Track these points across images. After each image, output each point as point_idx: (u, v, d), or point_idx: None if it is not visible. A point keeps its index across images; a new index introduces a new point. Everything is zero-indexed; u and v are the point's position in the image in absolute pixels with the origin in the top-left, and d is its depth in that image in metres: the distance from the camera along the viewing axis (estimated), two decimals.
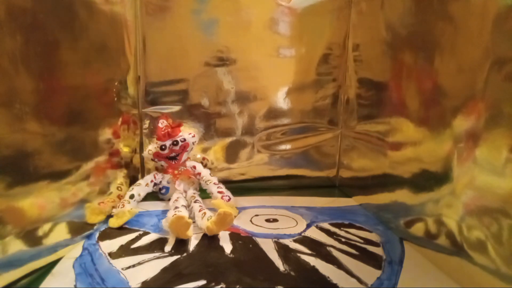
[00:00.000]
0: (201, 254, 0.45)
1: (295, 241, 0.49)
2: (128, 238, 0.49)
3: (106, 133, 0.56)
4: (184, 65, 0.67)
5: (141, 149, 0.69)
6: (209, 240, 0.49)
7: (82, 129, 0.49)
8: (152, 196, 0.64)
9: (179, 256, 0.44)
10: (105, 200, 0.55)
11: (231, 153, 0.72)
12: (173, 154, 0.63)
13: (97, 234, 0.50)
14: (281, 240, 0.49)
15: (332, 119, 0.73)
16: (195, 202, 0.57)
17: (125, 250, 0.46)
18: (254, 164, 0.73)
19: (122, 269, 0.41)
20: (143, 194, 0.60)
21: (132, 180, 0.65)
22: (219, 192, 0.60)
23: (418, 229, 0.47)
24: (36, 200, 0.39)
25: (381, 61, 0.57)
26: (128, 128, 0.65)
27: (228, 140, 0.71)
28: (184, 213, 0.50)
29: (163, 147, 0.61)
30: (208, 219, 0.50)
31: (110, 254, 0.44)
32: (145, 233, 0.51)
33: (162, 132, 0.62)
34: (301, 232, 0.52)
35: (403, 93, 0.51)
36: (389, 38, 0.55)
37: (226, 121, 0.70)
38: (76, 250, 0.45)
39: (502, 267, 0.33)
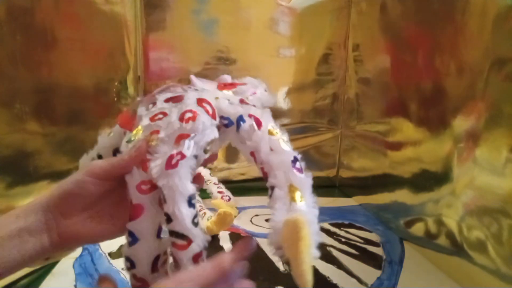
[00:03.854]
0: None
1: None
2: None
3: None
4: (184, 65, 0.67)
5: None
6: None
7: (82, 129, 0.49)
8: None
9: None
10: None
11: (231, 153, 0.72)
12: None
13: None
14: None
15: (332, 119, 0.73)
16: None
17: None
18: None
19: (122, 269, 0.41)
20: None
21: None
22: (219, 192, 0.59)
23: (418, 229, 0.47)
24: None
25: (381, 61, 0.57)
26: None
27: None
28: None
29: None
30: (208, 219, 0.50)
31: (110, 254, 0.44)
32: None
33: None
34: None
35: (403, 93, 0.51)
36: (389, 38, 0.55)
37: None
38: (76, 250, 0.45)
39: (502, 267, 0.33)
